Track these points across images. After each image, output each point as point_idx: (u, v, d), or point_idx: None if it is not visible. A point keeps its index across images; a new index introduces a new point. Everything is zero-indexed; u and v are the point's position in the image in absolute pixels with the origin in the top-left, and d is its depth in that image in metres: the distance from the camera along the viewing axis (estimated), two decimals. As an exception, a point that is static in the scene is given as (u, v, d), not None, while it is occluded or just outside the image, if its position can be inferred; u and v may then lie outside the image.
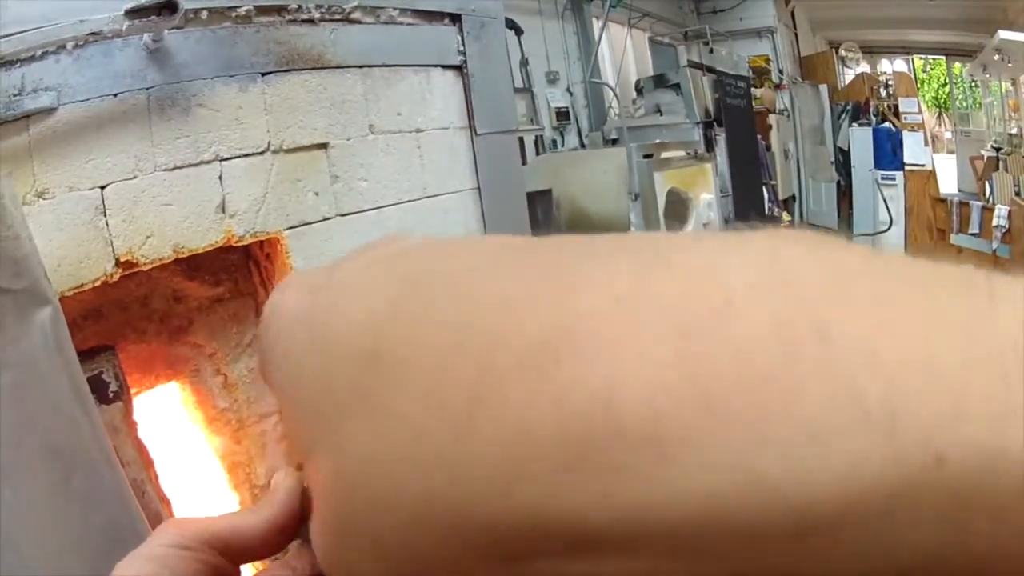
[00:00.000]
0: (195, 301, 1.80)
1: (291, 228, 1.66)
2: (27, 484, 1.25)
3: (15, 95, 1.27)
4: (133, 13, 1.31)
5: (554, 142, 7.38)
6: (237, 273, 1.83)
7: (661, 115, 6.53)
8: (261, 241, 1.65)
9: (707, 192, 5.66)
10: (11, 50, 1.24)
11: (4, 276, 1.19)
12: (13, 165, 1.28)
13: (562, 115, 7.38)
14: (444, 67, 1.95)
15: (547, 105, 7.26)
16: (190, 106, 1.49)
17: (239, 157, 1.57)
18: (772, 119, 10.00)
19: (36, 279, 1.22)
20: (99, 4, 1.31)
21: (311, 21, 1.60)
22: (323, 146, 1.70)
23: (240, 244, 1.60)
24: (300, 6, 1.57)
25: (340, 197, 1.75)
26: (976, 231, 9.15)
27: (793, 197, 11.34)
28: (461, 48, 1.97)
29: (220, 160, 1.55)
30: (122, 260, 1.44)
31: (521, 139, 6.84)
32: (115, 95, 1.40)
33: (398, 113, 1.85)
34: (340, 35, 1.68)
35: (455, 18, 1.98)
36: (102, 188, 1.42)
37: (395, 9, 1.81)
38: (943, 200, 9.53)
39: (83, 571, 1.33)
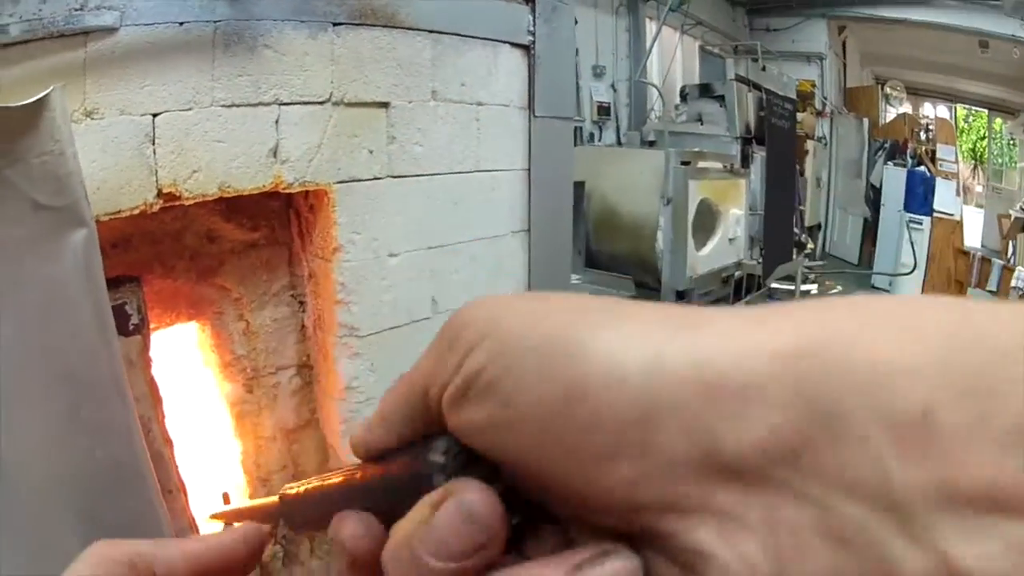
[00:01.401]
0: (229, 243, 1.75)
1: (341, 183, 1.63)
2: (38, 407, 1.21)
3: (76, 9, 1.23)
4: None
5: (592, 136, 7.34)
6: (276, 220, 1.79)
7: (702, 124, 6.47)
8: (308, 191, 1.60)
9: (737, 207, 5.60)
10: None
11: (45, 192, 1.15)
12: (66, 79, 1.22)
13: (603, 110, 7.34)
14: (513, 44, 1.92)
15: (590, 98, 7.21)
16: (256, 45, 1.45)
17: (299, 104, 1.53)
18: (810, 145, 9.94)
19: (76, 199, 1.17)
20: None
21: (390, -23, 1.55)
22: (384, 105, 1.67)
23: (288, 191, 1.56)
24: (377, -43, 1.52)
25: (394, 158, 1.71)
26: (994, 288, 9.16)
27: (819, 226, 11.30)
28: (531, 28, 1.93)
29: (279, 104, 1.51)
30: (165, 191, 1.40)
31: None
32: (181, 24, 1.36)
33: (462, 83, 1.81)
34: (416, -3, 1.62)
35: (529, -2, 1.93)
36: (154, 116, 1.38)
37: (474, -21, 1.76)
38: (966, 252, 9.49)
39: (81, 504, 1.29)
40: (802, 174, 9.87)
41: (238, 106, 1.44)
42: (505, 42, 1.89)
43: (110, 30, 1.28)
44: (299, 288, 1.86)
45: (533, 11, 1.93)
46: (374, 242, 1.71)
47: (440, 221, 1.84)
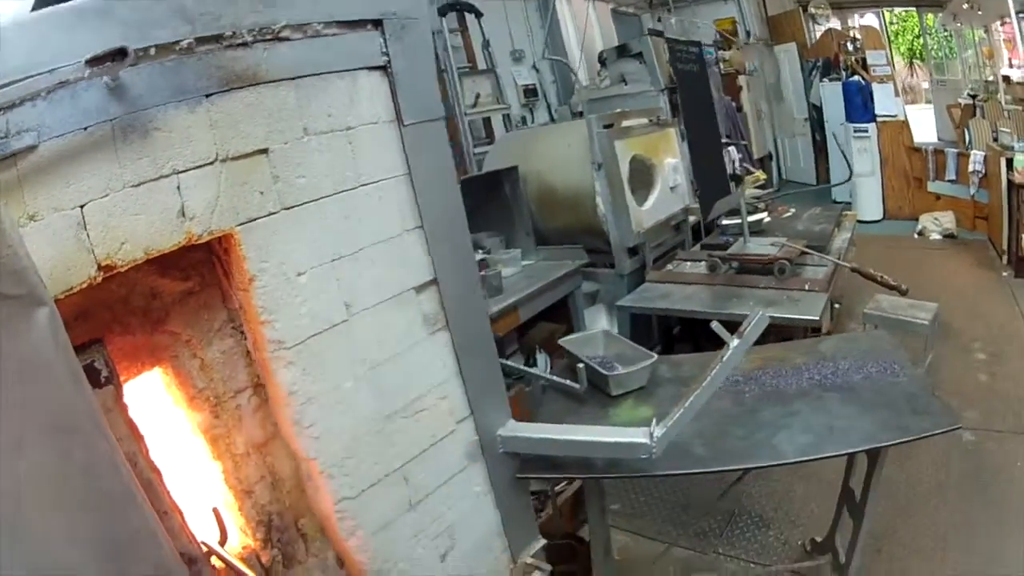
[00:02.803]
0: (169, 296, 2.13)
1: (241, 224, 1.97)
2: (38, 457, 1.57)
3: (2, 138, 1.57)
4: (92, 61, 1.61)
5: (523, 119, 7.70)
6: (203, 268, 2.16)
7: (626, 84, 6.78)
8: (218, 238, 1.95)
9: (672, 156, 5.90)
10: None
11: (7, 284, 1.49)
12: (7, 196, 1.59)
13: (530, 92, 7.70)
14: (370, 68, 2.23)
15: (514, 83, 7.55)
16: (148, 130, 1.79)
17: (193, 168, 1.87)
18: (742, 80, 10.32)
19: (34, 285, 1.52)
20: (63, 56, 1.61)
21: (245, 44, 1.90)
22: (264, 151, 2.00)
23: (200, 242, 1.91)
24: (234, 32, 1.87)
25: (282, 193, 2.05)
26: (953, 178, 9.49)
27: (770, 155, 11.70)
28: (384, 50, 2.25)
29: (177, 173, 1.85)
30: (103, 264, 1.75)
31: (488, 119, 7.18)
32: (85, 128, 1.69)
33: (329, 115, 2.14)
34: (272, 53, 1.97)
35: (377, 23, 2.25)
36: (81, 207, 1.72)
37: (320, 23, 2.09)
38: (918, 149, 9.81)
39: (89, 532, 1.65)
40: (740, 109, 10.26)
41: (144, 183, 1.78)
42: (361, 68, 2.20)
43: (32, 148, 1.62)
44: (237, 320, 2.22)
45: (383, 34, 2.25)
46: (282, 266, 2.05)
47: (336, 236, 2.17)
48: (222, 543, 2.19)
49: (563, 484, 4.22)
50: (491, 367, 2.82)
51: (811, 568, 3.89)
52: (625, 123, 5.71)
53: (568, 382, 3.30)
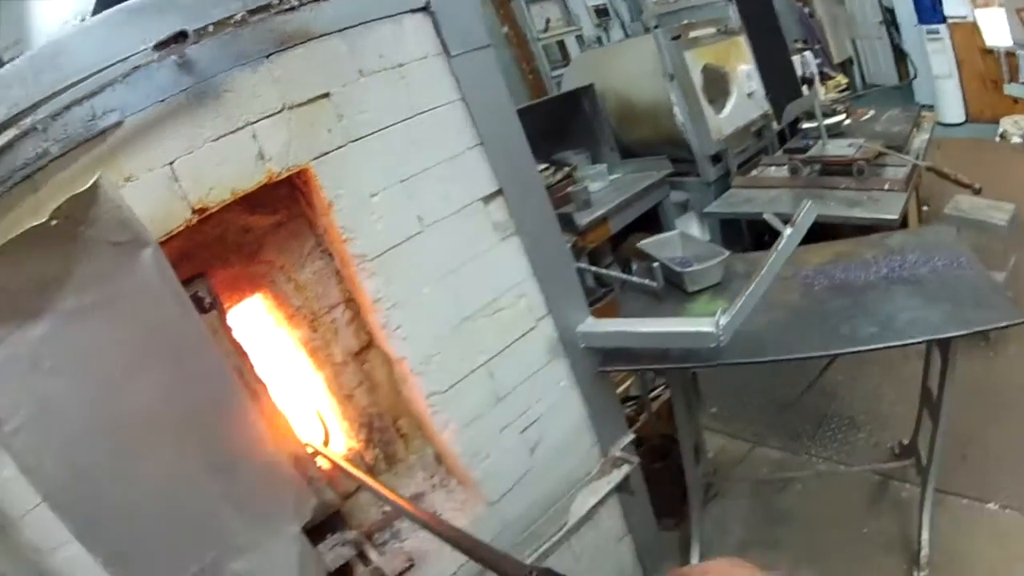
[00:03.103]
0: (261, 230, 2.45)
1: (315, 159, 2.26)
2: (156, 372, 1.93)
3: (89, 120, 1.89)
4: (158, 46, 1.91)
5: (599, 39, 7.80)
6: (288, 202, 2.47)
7: (694, -4, 6.78)
8: (296, 173, 2.24)
9: (744, 64, 5.93)
10: (81, 94, 1.86)
11: (115, 234, 1.83)
12: (104, 165, 1.91)
13: (601, 12, 7.78)
14: (412, 11, 2.46)
15: (584, 5, 7.64)
16: (219, 93, 2.08)
17: (263, 119, 2.15)
18: (815, -15, 10.19)
19: (137, 231, 1.86)
20: (134, 44, 1.91)
21: (292, 8, 2.16)
22: (326, 95, 2.27)
23: (279, 179, 2.20)
24: (281, 0, 2.14)
25: (348, 128, 2.31)
26: None
27: (850, 60, 11.47)
28: None
29: (250, 124, 2.13)
30: (196, 208, 2.06)
31: (561, 42, 7.34)
32: (162, 101, 1.99)
33: (380, 56, 2.38)
34: (318, 12, 2.22)
35: (415, -31, 2.49)
36: (171, 163, 2.03)
37: (360, -23, 2.35)
38: (990, 51, 9.43)
39: (198, 436, 2.02)
40: (812, 15, 10.15)
41: (222, 136, 2.08)
42: (404, 12, 2.43)
43: (118, 124, 1.94)
44: (323, 243, 2.54)
45: (421, -21, 2.48)
46: (356, 190, 2.33)
47: (401, 159, 2.43)
48: (325, 443, 2.51)
49: (660, 389, 4.42)
50: (565, 267, 3.03)
51: (895, 469, 4.00)
52: (693, 33, 5.75)
53: (646, 281, 3.48)
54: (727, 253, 3.44)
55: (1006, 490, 3.75)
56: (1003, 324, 2.66)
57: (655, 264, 3.45)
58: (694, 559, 3.73)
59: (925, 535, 3.42)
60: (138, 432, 1.93)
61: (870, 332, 2.73)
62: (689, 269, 3.42)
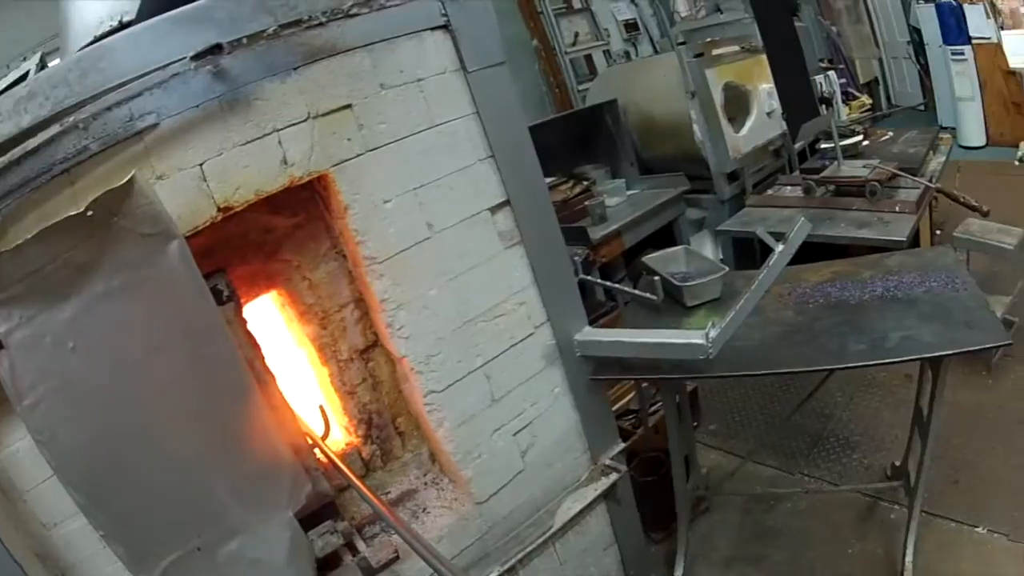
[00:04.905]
0: (281, 230, 2.64)
1: (335, 165, 2.44)
2: (174, 354, 2.12)
3: (128, 121, 2.08)
4: (195, 57, 2.11)
5: (627, 53, 7.98)
6: (308, 205, 2.65)
7: (721, 13, 6.91)
8: (316, 178, 2.42)
9: (766, 83, 6.06)
10: (122, 97, 2.05)
11: (146, 226, 2.01)
12: (138, 164, 2.10)
13: (631, 26, 7.95)
14: (432, 29, 2.62)
15: (614, 19, 7.80)
16: (249, 101, 2.27)
17: (289, 127, 2.34)
18: (840, 3, 10.27)
19: (166, 224, 2.04)
20: (174, 53, 2.11)
21: (321, 24, 2.34)
22: (348, 106, 2.45)
23: (301, 183, 2.38)
24: (310, 16, 2.31)
25: (367, 138, 2.49)
26: None
27: (876, 80, 11.59)
28: (444, 11, 2.63)
29: (277, 131, 2.32)
30: (221, 206, 2.25)
31: (589, 56, 7.50)
32: (197, 106, 2.18)
33: (401, 71, 2.55)
34: (345, 28, 2.41)
35: (436, -10, 2.68)
36: (200, 165, 2.22)
37: (383, -1, 2.54)
38: (1013, 73, 9.49)
39: (207, 419, 2.20)
40: (840, 34, 10.26)
41: (251, 141, 2.27)
42: (425, 30, 2.60)
43: (154, 125, 2.13)
44: (338, 246, 2.72)
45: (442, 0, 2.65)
46: (370, 196, 2.50)
47: (415, 168, 2.60)
48: (324, 437, 2.66)
49: (658, 404, 4.53)
50: (566, 278, 3.18)
51: (884, 491, 4.09)
52: (716, 51, 5.92)
53: (647, 294, 3.59)
54: (726, 269, 3.57)
55: (995, 515, 3.83)
56: (989, 345, 2.75)
57: (656, 278, 3.58)
58: (678, 573, 3.86)
59: (909, 557, 3.51)
60: (151, 411, 2.11)
61: (859, 349, 2.82)
62: (688, 284, 3.54)
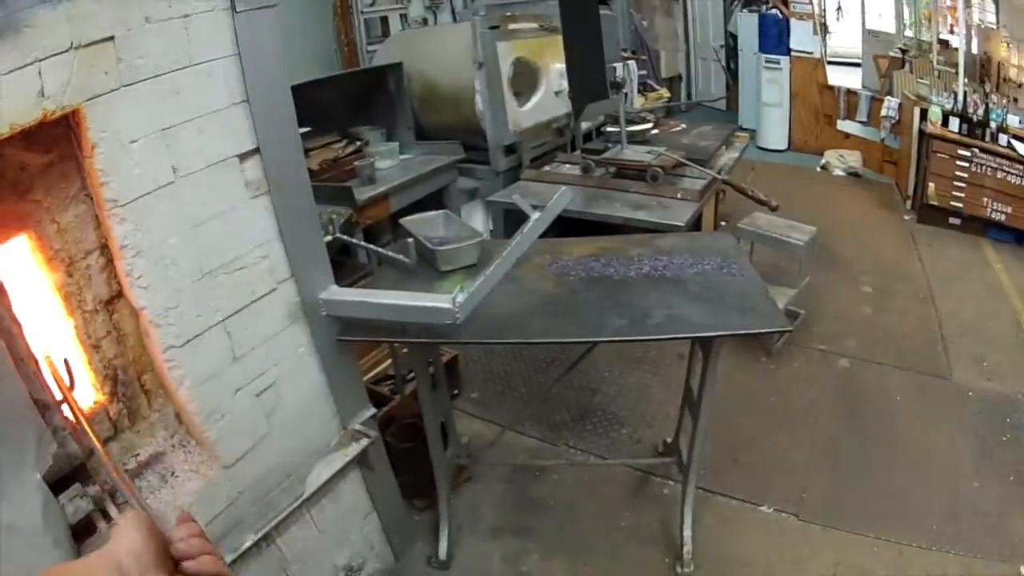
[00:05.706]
0: (35, 168, 2.57)
1: (88, 100, 2.41)
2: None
3: None
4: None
5: (425, 20, 8.12)
6: (62, 142, 2.59)
7: (529, -10, 7.14)
8: (70, 113, 2.40)
9: (559, 62, 6.29)
10: None
11: None
12: None
13: (434, -6, 8.11)
14: (206, -33, 2.65)
15: (417, -16, 7.98)
16: (19, 27, 2.22)
17: (52, 56, 2.31)
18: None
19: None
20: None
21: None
22: (111, 38, 2.43)
23: (54, 117, 2.35)
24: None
25: (124, 73, 2.48)
26: (864, 119, 10.31)
27: (680, 76, 12.38)
28: None
29: (39, 60, 2.28)
30: (-24, 140, 2.20)
31: (385, 18, 7.63)
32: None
33: (169, 6, 2.57)
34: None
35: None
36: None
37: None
38: (830, 87, 10.51)
39: None
40: (648, 29, 11.00)
41: (13, 71, 2.22)
42: None
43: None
44: (88, 187, 2.67)
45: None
46: (118, 134, 2.48)
47: (167, 108, 2.60)
48: (71, 389, 2.62)
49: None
50: (313, 234, 3.27)
51: (656, 466, 4.41)
52: (512, 26, 6.16)
53: (400, 256, 3.74)
54: (483, 236, 3.72)
55: (781, 496, 4.22)
56: (764, 331, 2.93)
57: (410, 240, 3.71)
58: (443, 541, 4.02)
59: (687, 532, 3.78)
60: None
61: (619, 324, 3.00)
62: (441, 248, 3.70)
